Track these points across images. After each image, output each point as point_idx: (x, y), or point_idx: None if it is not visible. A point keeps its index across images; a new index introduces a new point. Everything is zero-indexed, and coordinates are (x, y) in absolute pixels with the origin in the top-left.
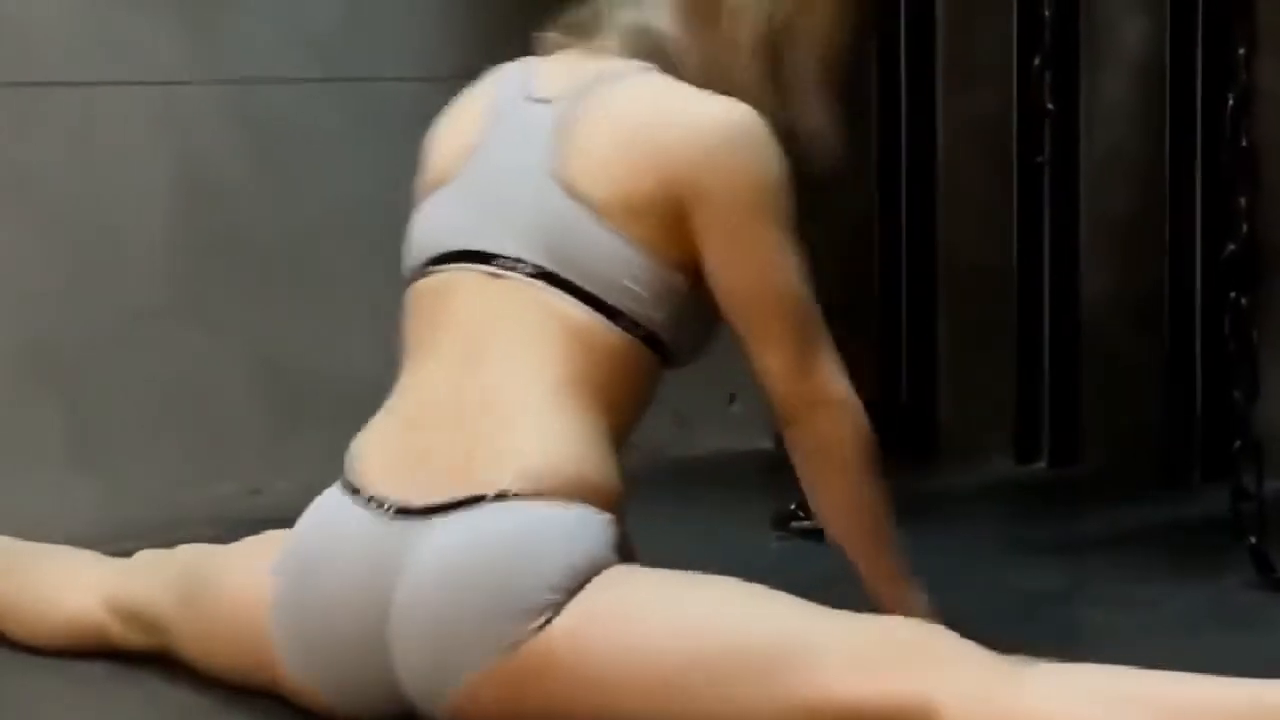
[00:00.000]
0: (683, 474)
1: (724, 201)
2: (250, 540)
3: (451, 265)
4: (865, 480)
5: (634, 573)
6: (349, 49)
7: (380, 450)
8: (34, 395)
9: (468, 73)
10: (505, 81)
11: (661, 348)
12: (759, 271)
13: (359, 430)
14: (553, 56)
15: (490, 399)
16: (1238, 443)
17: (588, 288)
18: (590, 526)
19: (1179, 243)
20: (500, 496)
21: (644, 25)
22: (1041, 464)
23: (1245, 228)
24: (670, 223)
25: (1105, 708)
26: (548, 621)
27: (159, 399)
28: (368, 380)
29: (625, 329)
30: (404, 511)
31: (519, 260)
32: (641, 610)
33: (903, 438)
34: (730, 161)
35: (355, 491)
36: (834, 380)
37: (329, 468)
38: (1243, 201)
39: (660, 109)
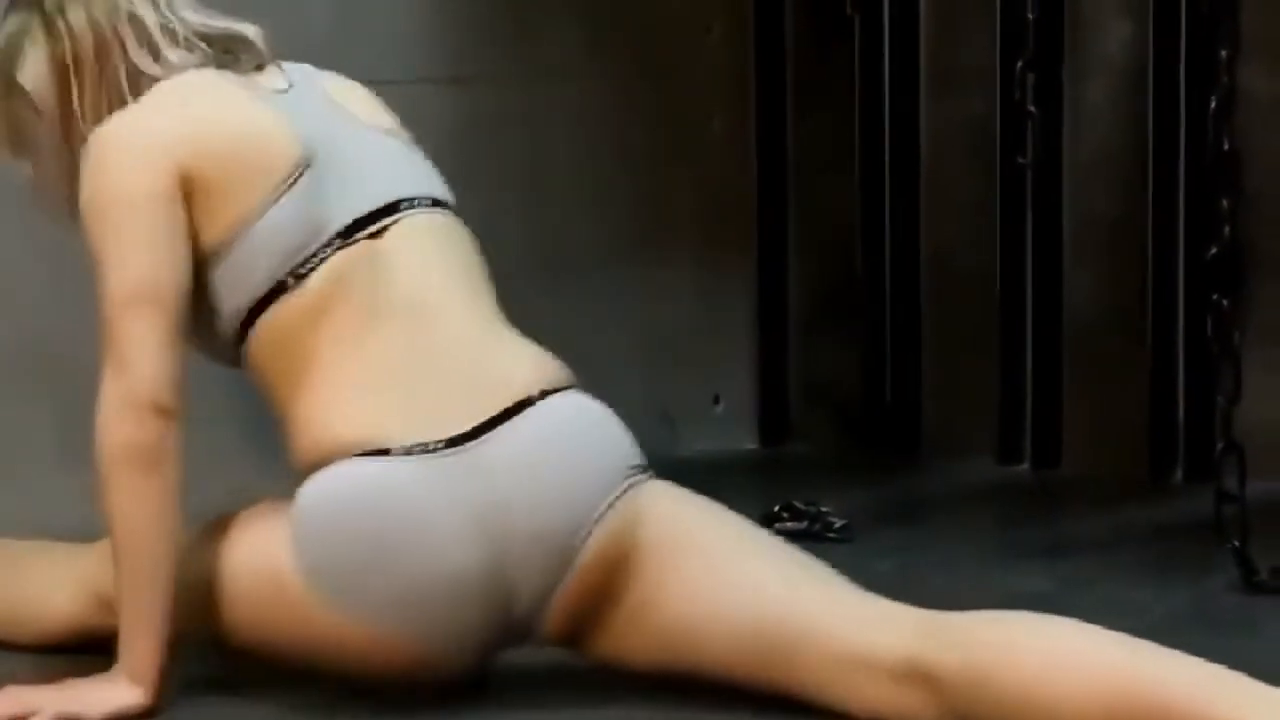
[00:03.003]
0: (668, 474)
1: None
2: (236, 521)
3: (360, 234)
4: None
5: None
6: (341, 52)
7: (385, 413)
8: (21, 394)
9: (460, 76)
10: (240, 88)
11: None
12: None
13: None
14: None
15: (464, 331)
16: (1220, 444)
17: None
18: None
19: (1162, 245)
20: (544, 394)
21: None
22: (1024, 465)
23: (1228, 230)
24: None
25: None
26: (635, 478)
27: None
28: None
29: None
30: (454, 442)
31: (417, 198)
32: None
33: (886, 438)
34: None
35: (384, 452)
36: None
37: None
38: (1225, 204)
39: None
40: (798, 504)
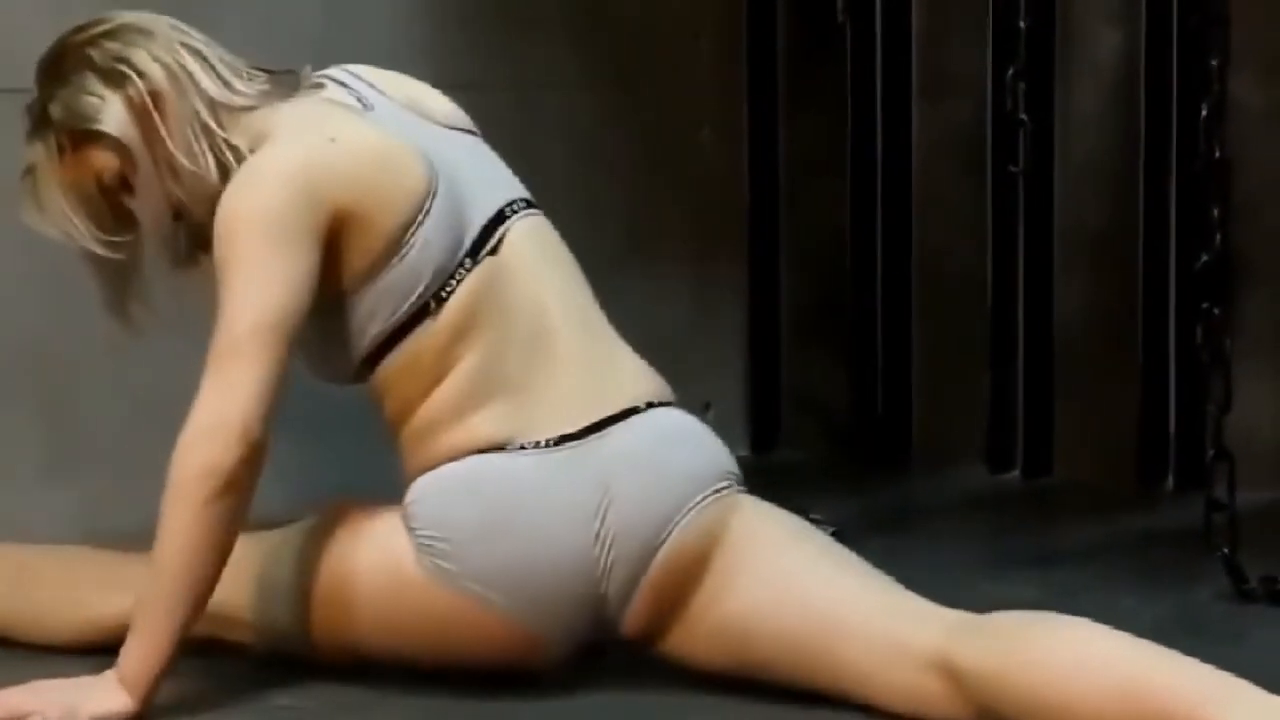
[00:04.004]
0: None
1: None
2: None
3: (484, 252)
4: None
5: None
6: (332, 61)
7: (501, 420)
8: (9, 404)
9: (452, 85)
10: (349, 107)
11: None
12: None
13: (335, 439)
14: (317, 92)
15: (579, 344)
16: (1211, 453)
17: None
18: None
19: (1153, 253)
20: (650, 405)
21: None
22: (1015, 474)
23: (1218, 239)
24: None
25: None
26: (726, 488)
27: (136, 412)
28: (344, 391)
29: None
30: (564, 439)
31: (514, 201)
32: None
33: (877, 447)
34: None
35: (500, 449)
36: None
37: (306, 477)
38: (1216, 212)
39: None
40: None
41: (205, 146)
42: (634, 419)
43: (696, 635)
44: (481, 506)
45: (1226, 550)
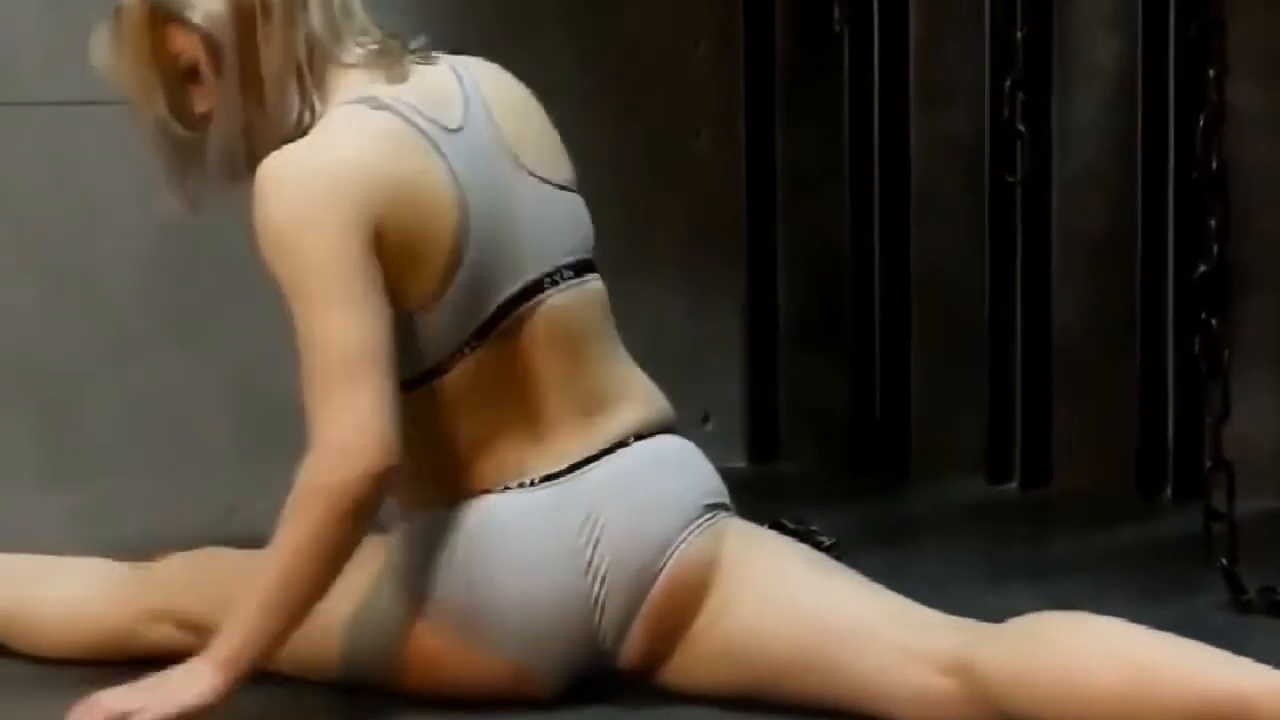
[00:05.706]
0: None
1: None
2: None
3: (494, 333)
4: None
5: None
6: None
7: (489, 469)
8: (7, 412)
9: None
10: (411, 124)
11: None
12: None
13: None
14: (404, 77)
15: (584, 394)
16: (1209, 463)
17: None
18: None
19: (1151, 263)
20: (639, 436)
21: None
22: (1013, 484)
23: (1216, 248)
24: None
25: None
26: (715, 513)
27: (134, 417)
28: None
29: None
30: (549, 477)
31: (561, 268)
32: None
33: (875, 458)
34: None
35: (484, 492)
36: None
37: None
38: (1214, 222)
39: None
40: (786, 522)
41: (294, 86)
42: (621, 450)
43: (700, 659)
44: (466, 544)
45: (1225, 560)
